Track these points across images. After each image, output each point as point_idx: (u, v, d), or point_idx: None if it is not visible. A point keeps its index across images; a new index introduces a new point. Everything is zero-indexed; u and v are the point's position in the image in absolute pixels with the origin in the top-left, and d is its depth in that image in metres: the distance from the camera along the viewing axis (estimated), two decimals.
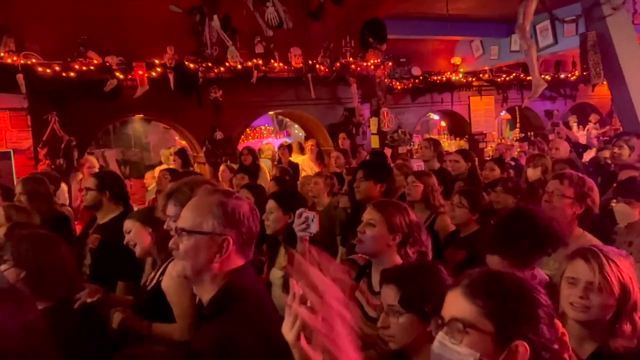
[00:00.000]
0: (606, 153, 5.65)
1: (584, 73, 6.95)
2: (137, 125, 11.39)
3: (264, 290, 1.88)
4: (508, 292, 1.18)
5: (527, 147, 8.46)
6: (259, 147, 10.73)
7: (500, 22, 10.17)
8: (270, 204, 3.20)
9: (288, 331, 1.19)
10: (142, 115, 8.80)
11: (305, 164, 8.60)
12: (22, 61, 6.63)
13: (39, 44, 6.91)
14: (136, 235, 2.79)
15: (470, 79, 11.19)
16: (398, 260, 2.24)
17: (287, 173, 6.49)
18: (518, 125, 12.59)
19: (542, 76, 9.70)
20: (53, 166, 6.69)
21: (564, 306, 1.77)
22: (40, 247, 2.35)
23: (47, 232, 2.69)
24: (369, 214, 2.33)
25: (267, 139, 12.34)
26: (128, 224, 2.84)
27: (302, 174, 8.16)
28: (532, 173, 4.88)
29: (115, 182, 3.89)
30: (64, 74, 6.82)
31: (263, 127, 12.65)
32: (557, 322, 1.20)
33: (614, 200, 3.17)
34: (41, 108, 6.84)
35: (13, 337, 1.63)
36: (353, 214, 3.75)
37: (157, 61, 7.37)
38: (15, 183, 5.92)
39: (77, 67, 6.89)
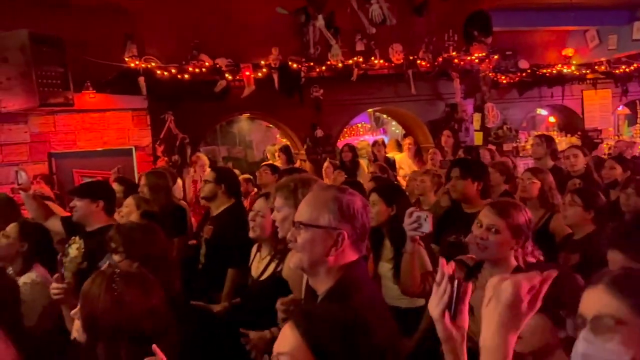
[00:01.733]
0: None
1: None
2: (242, 124, 11.93)
3: (375, 284, 1.91)
4: None
5: None
6: (355, 144, 10.78)
7: (620, 9, 9.36)
8: (373, 197, 3.24)
9: (434, 307, 1.30)
10: (248, 114, 9.21)
11: (404, 161, 8.52)
12: (143, 65, 7.22)
13: (157, 49, 7.48)
14: (264, 218, 2.83)
15: (584, 71, 10.42)
16: (514, 262, 2.15)
17: (385, 170, 6.48)
18: (639, 120, 11.51)
19: None
20: (170, 162, 7.22)
21: None
22: (148, 238, 2.52)
23: (149, 222, 2.89)
24: (489, 219, 2.23)
25: (363, 136, 12.36)
26: (260, 203, 2.90)
27: (400, 172, 8.10)
28: None
29: (231, 177, 4.17)
30: (179, 76, 7.33)
31: (360, 125, 12.68)
32: None
33: None
34: (159, 108, 7.41)
35: (141, 320, 1.75)
36: (447, 212, 3.69)
37: (262, 62, 7.67)
38: (136, 177, 6.50)
39: (190, 69, 7.37)
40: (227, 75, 7.46)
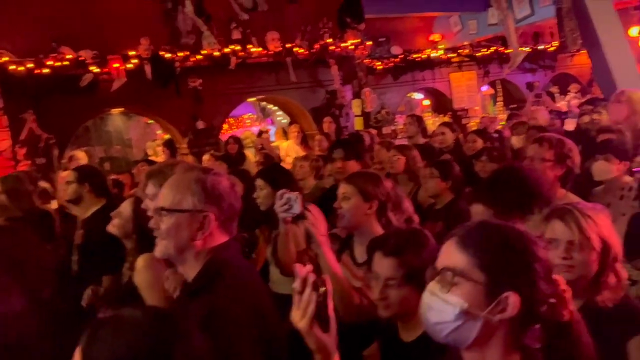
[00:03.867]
0: (586, 119, 5.68)
1: (562, 40, 6.96)
2: (117, 121, 11.26)
3: (249, 265, 1.87)
4: (504, 243, 1.13)
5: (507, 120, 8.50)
6: (240, 135, 10.64)
7: None
8: (259, 181, 3.20)
9: (300, 319, 1.18)
10: (121, 109, 8.71)
11: (290, 149, 8.57)
12: None
13: (10, 42, 6.78)
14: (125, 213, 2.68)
15: (450, 55, 11.18)
16: (379, 229, 2.25)
17: (271, 159, 6.47)
18: (500, 98, 12.62)
19: (521, 48, 9.72)
20: (34, 166, 6.59)
21: None
22: (13, 241, 2.32)
23: (15, 224, 2.64)
24: (342, 188, 2.35)
25: (250, 127, 12.26)
26: (124, 204, 2.73)
27: (287, 159, 8.13)
28: (517, 140, 4.93)
29: (95, 175, 3.85)
30: (37, 71, 6.70)
31: (246, 116, 12.57)
32: (558, 278, 1.16)
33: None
34: (17, 107, 6.72)
35: (2, 327, 1.59)
36: (330, 190, 3.79)
37: (132, 53, 7.26)
38: None
39: (50, 63, 6.77)
40: (93, 68, 6.96)
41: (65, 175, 6.44)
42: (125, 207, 2.72)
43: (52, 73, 6.78)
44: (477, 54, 11.45)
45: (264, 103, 11.26)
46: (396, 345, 1.76)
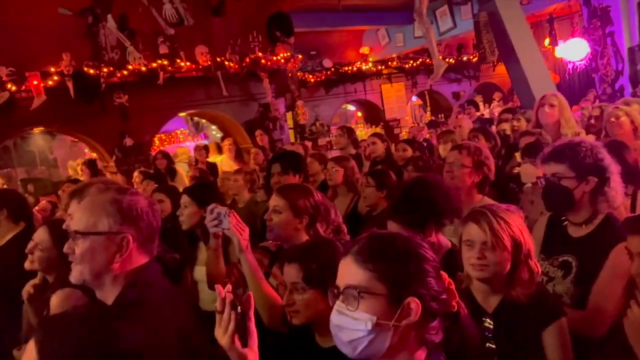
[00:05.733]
0: (505, 126, 5.99)
1: (480, 52, 7.35)
2: (40, 141, 10.73)
3: (172, 285, 1.81)
4: (396, 253, 1.19)
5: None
6: (173, 151, 10.41)
7: (403, 10, 10.51)
8: (184, 198, 3.11)
9: (222, 336, 1.26)
10: (42, 128, 8.30)
11: (225, 163, 8.46)
12: None
13: None
14: (43, 252, 2.42)
15: (379, 67, 11.50)
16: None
17: (206, 174, 6.35)
18: (428, 108, 13.10)
19: (446, 60, 10.17)
20: None
21: (466, 268, 1.85)
22: None
23: None
24: (273, 201, 2.33)
25: (184, 143, 12.02)
26: (41, 234, 2.46)
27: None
28: (443, 149, 5.09)
29: (14, 199, 3.63)
30: None
31: (179, 131, 12.32)
32: (443, 274, 1.24)
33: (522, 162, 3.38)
34: None
35: None
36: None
37: (53, 69, 6.95)
38: None
39: None
40: (9, 85, 6.61)
41: None
42: (42, 236, 2.46)
43: None
44: (406, 66, 11.84)
45: (196, 118, 11.08)
46: (315, 350, 1.77)
